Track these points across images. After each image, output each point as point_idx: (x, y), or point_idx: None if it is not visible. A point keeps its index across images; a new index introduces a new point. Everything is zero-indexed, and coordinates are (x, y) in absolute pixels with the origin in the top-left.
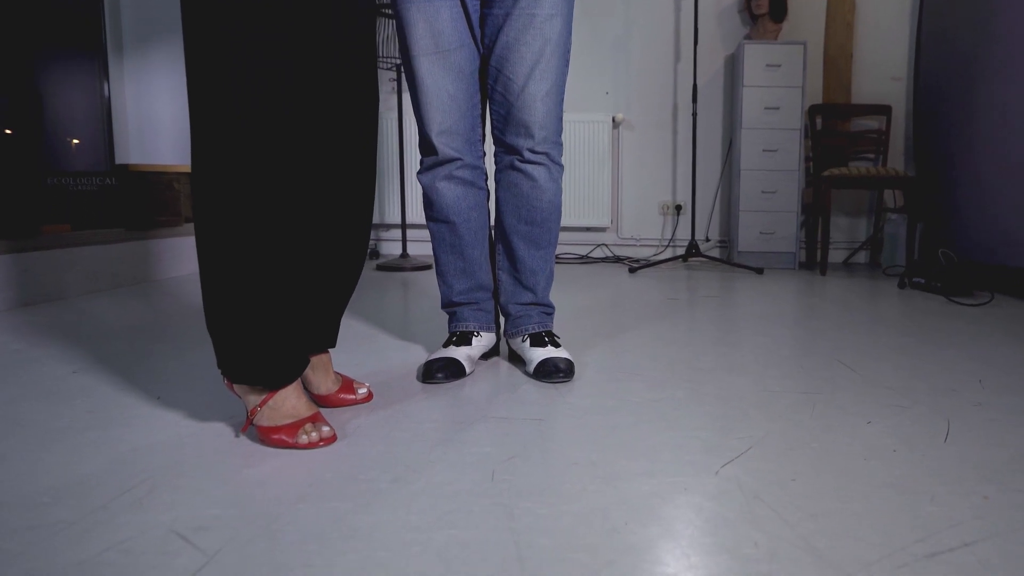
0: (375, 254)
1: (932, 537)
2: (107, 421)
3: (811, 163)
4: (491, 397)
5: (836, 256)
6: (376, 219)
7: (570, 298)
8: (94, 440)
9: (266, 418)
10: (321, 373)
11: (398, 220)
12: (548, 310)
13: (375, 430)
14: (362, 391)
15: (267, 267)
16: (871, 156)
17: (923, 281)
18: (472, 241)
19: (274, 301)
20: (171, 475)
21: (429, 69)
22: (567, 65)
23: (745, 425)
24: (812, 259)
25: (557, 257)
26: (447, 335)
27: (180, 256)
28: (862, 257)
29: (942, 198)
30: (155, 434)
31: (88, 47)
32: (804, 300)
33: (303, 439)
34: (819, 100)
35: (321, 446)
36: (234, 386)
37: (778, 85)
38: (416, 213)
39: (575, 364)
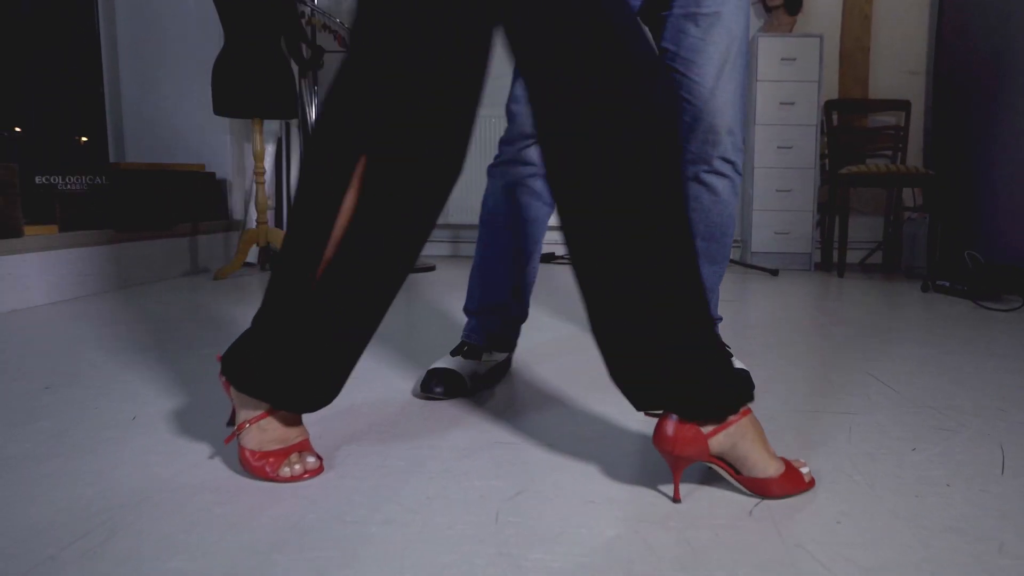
0: None
1: None
2: (72, 447)
3: (827, 160)
4: (498, 417)
5: (853, 256)
6: None
7: (579, 303)
8: (54, 471)
9: (254, 439)
10: None
11: None
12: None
13: (368, 458)
14: None
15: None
16: (889, 153)
17: (948, 284)
18: (515, 256)
19: (346, 320)
20: (134, 516)
21: None
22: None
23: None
24: (828, 260)
25: (556, 258)
26: (459, 341)
27: (171, 258)
28: (879, 258)
29: (964, 197)
30: (123, 464)
31: (81, 37)
32: (824, 304)
33: (285, 471)
34: (835, 95)
35: (305, 479)
36: (231, 388)
37: (793, 79)
38: None
39: None
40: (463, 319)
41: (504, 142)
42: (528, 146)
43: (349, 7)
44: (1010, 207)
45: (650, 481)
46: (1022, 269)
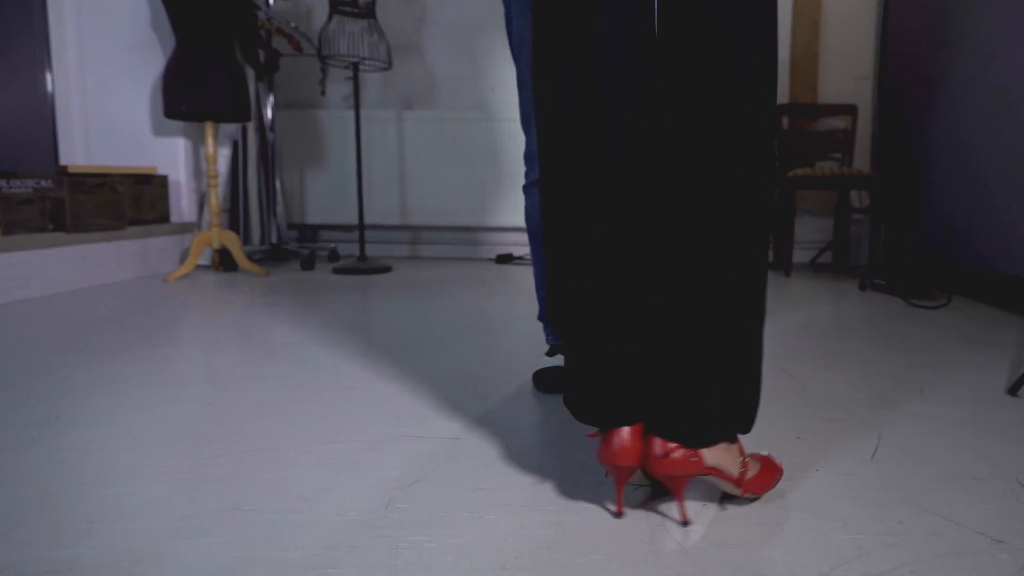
0: (334, 256)
1: (837, 569)
2: None
3: (778, 163)
4: (413, 412)
5: (803, 256)
6: (342, 219)
7: (531, 304)
8: None
9: (752, 469)
10: None
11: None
12: None
13: (280, 452)
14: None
15: None
16: (839, 156)
17: (884, 283)
18: None
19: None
20: (44, 507)
21: None
22: None
23: None
24: (779, 260)
25: (514, 259)
26: (547, 346)
27: (121, 261)
28: (829, 257)
29: (904, 199)
30: (41, 458)
31: (31, 37)
32: None
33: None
34: (785, 100)
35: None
36: (707, 452)
37: None
38: (374, 214)
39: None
40: (408, 318)
41: (532, 157)
42: None
43: (305, 11)
44: (940, 207)
45: (544, 467)
46: (951, 267)
